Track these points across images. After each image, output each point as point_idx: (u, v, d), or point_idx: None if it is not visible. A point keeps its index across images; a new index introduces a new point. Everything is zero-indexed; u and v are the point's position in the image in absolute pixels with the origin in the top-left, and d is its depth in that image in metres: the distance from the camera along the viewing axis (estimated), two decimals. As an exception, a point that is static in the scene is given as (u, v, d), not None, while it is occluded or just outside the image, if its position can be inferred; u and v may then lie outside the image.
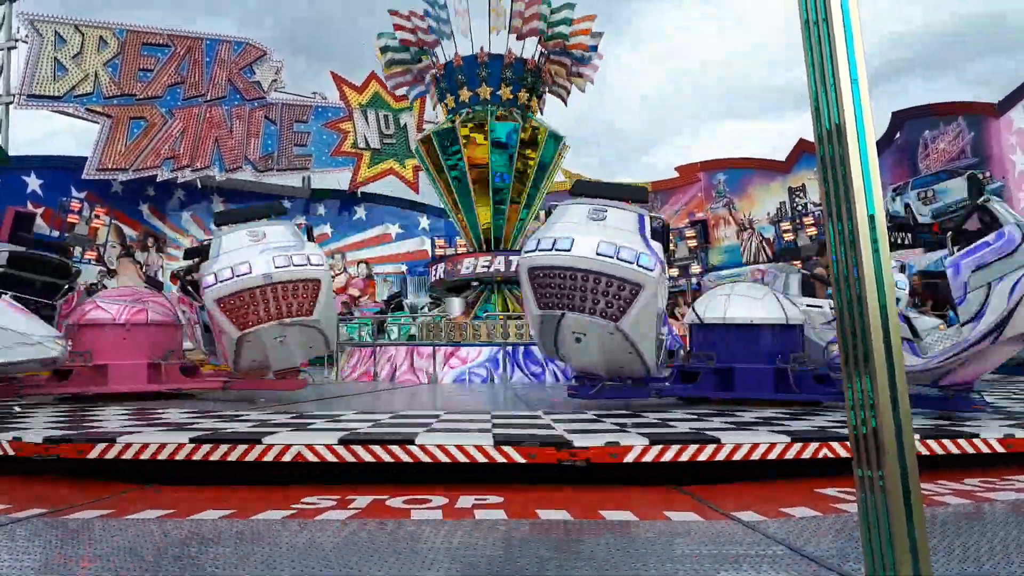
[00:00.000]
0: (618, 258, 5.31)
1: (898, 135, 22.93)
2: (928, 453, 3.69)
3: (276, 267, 6.15)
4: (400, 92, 17.70)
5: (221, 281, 6.08)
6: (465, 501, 3.07)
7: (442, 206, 20.56)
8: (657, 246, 5.66)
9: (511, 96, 15.76)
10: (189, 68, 25.64)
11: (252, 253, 6.26)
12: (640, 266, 5.26)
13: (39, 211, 22.03)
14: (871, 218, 1.83)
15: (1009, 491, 3.22)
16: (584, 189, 6.58)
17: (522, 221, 19.18)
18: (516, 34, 15.45)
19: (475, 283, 19.16)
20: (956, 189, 20.94)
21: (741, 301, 6.32)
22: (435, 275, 19.68)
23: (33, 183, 23.11)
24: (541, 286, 5.53)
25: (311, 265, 6.36)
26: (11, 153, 23.46)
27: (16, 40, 24.58)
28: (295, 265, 6.26)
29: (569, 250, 5.44)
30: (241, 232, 6.62)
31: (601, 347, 5.61)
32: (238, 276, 6.09)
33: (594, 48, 16.19)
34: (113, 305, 7.46)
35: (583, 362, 5.99)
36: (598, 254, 5.35)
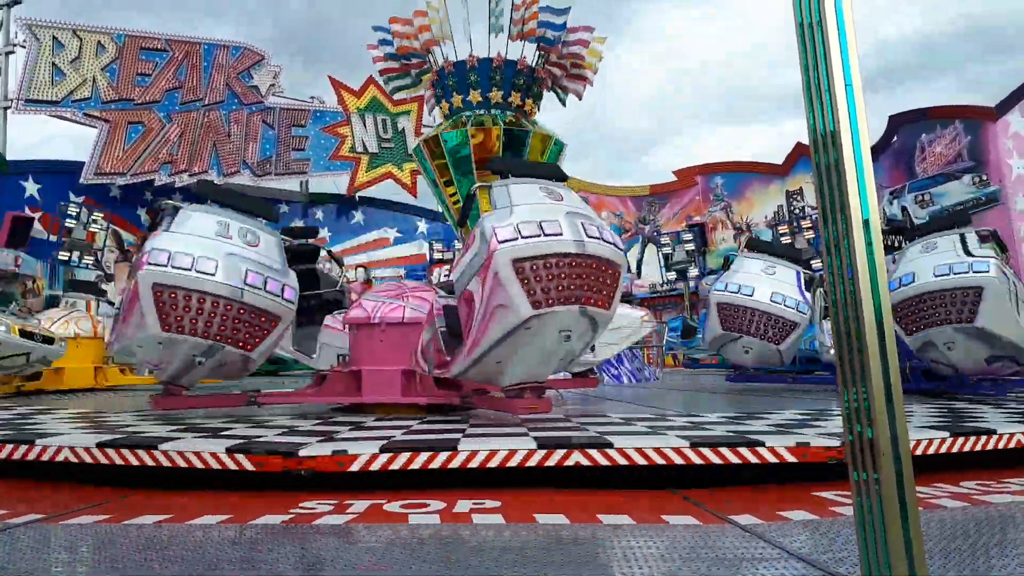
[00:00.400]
0: (784, 305, 8.03)
1: (895, 139, 23.00)
2: (922, 453, 3.70)
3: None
4: (399, 96, 17.70)
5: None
6: (463, 505, 3.07)
7: (440, 210, 20.55)
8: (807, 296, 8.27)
9: (501, 100, 15.76)
10: (187, 73, 25.70)
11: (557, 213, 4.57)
12: (799, 311, 8.07)
13: (37, 216, 22.04)
14: (866, 223, 1.84)
15: (1005, 493, 3.23)
16: (757, 245, 9.37)
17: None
18: (516, 38, 15.47)
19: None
20: (953, 192, 21.02)
21: None
22: (436, 279, 19.63)
23: (31, 188, 23.14)
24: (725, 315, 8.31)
25: None
26: (9, 158, 23.48)
27: (14, 45, 24.62)
28: None
29: (751, 295, 8.16)
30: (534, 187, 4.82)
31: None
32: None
33: (561, 27, 16.12)
34: (370, 302, 6.35)
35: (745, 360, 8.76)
36: (772, 300, 8.06)
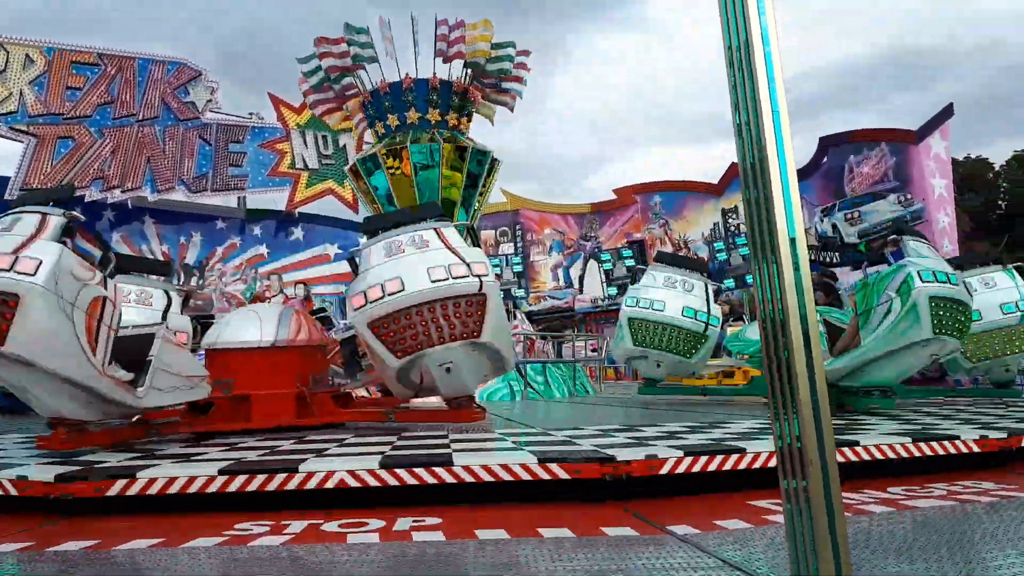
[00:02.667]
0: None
1: (824, 160, 23.78)
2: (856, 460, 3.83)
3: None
4: (328, 119, 17.65)
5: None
6: (403, 523, 3.05)
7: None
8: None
9: (440, 119, 15.82)
10: (120, 87, 25.05)
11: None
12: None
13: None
14: (792, 241, 1.92)
15: (930, 498, 3.36)
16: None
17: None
18: (442, 57, 15.59)
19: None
20: (880, 211, 21.83)
21: None
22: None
23: (-49, 204, 22.21)
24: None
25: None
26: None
27: (-65, 56, 23.68)
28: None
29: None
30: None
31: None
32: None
33: (508, 67, 16.31)
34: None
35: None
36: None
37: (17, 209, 4.41)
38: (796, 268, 1.91)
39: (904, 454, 3.97)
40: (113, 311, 4.38)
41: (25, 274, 3.75)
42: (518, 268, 31.80)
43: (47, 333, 3.81)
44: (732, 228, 26.97)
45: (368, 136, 22.09)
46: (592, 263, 30.49)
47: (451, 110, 16.16)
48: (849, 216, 22.47)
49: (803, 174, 23.37)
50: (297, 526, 3.04)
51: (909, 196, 21.53)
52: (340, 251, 29.06)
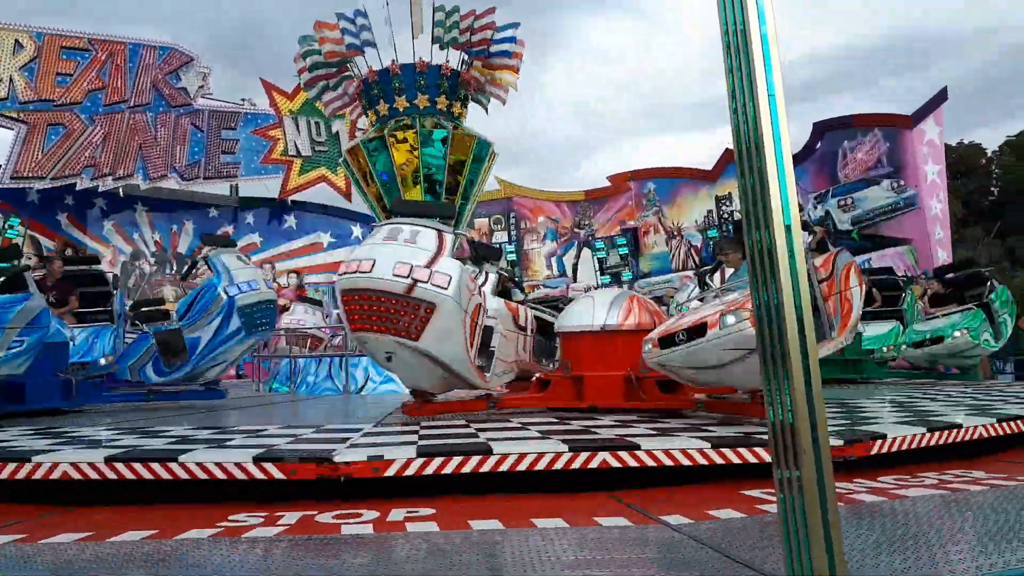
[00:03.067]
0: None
1: (819, 145, 23.76)
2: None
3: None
4: (326, 108, 17.58)
5: None
6: (397, 514, 3.04)
7: (374, 215, 20.36)
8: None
9: (428, 104, 15.73)
10: (111, 73, 24.84)
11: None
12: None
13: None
14: (787, 228, 1.90)
15: (920, 487, 3.37)
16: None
17: (457, 227, 19.06)
18: (438, 44, 15.49)
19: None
20: (874, 197, 21.85)
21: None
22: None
23: (-60, 192, 22.05)
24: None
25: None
26: (-82, 160, 22.32)
27: (-77, 43, 23.44)
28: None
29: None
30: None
31: None
32: None
33: (511, 40, 16.17)
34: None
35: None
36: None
37: (408, 220, 5.47)
38: (791, 255, 1.89)
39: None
40: (484, 313, 5.62)
41: (440, 288, 4.97)
42: (512, 256, 31.77)
43: (449, 333, 5.09)
44: (725, 215, 26.97)
45: (362, 123, 22.00)
46: (586, 251, 30.48)
47: (441, 94, 16.08)
48: (842, 202, 22.48)
49: (797, 159, 23.34)
50: (291, 517, 3.03)
51: (902, 182, 21.55)
52: (333, 239, 28.97)
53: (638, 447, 3.54)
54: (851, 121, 23.24)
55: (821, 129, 23.85)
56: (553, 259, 31.76)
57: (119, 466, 3.40)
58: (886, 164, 22.00)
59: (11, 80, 23.47)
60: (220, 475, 3.34)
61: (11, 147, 23.12)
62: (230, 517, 3.03)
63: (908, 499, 3.12)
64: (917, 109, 21.83)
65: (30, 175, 23.10)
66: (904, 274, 16.55)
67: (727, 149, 27.06)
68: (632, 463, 3.48)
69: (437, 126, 15.60)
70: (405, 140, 15.70)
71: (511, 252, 31.75)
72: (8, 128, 23.32)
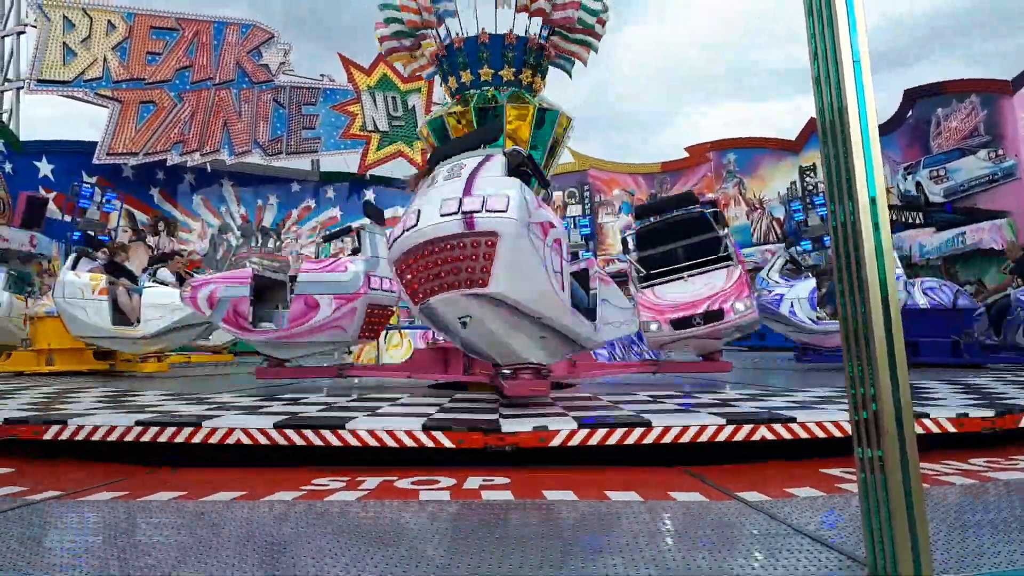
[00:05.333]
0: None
1: (910, 114, 22.72)
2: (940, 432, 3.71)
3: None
4: (405, 69, 17.66)
5: None
6: (472, 482, 3.10)
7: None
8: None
9: (513, 77, 15.66)
10: (197, 51, 25.65)
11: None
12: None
13: (51, 196, 22.15)
14: (872, 200, 1.84)
15: (1013, 471, 3.23)
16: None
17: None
18: (526, 12, 15.35)
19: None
20: (969, 168, 20.78)
21: None
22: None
23: (45, 168, 23.25)
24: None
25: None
26: (24, 138, 23.56)
27: (25, 25, 24.62)
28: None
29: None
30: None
31: None
32: None
33: (596, 20, 15.91)
34: None
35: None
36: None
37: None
38: (876, 229, 1.84)
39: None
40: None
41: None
42: (586, 231, 31.58)
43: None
44: (810, 187, 26.14)
45: (437, 96, 22.05)
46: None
47: (525, 67, 16.00)
48: (934, 174, 21.47)
49: (886, 129, 22.36)
50: (372, 482, 3.13)
51: (1001, 152, 20.40)
52: (410, 212, 29.36)
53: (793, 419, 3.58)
54: (944, 88, 22.09)
55: (912, 97, 22.78)
56: (628, 233, 31.45)
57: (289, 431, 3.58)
58: (983, 132, 20.86)
59: (105, 60, 24.47)
60: (390, 442, 3.49)
61: (106, 125, 24.16)
62: (314, 481, 3.15)
63: (1001, 482, 3.01)
64: (1018, 74, 20.54)
65: (124, 151, 24.13)
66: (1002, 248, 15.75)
67: (812, 118, 26.14)
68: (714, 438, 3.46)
69: (517, 99, 15.56)
70: (485, 112, 15.69)
71: (585, 226, 31.56)
72: (103, 106, 24.37)
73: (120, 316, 8.81)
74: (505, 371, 4.59)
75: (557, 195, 31.60)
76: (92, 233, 10.56)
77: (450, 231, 3.79)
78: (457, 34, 16.25)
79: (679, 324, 6.03)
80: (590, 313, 4.81)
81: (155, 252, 22.95)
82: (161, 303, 8.68)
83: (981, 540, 2.12)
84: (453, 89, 17.06)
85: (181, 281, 8.59)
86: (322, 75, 28.03)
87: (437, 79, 18.65)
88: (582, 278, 5.05)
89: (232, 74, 26.03)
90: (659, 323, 6.05)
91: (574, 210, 31.72)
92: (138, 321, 8.73)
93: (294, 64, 27.16)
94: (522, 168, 4.20)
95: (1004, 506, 2.64)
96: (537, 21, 15.65)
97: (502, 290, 3.87)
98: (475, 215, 3.77)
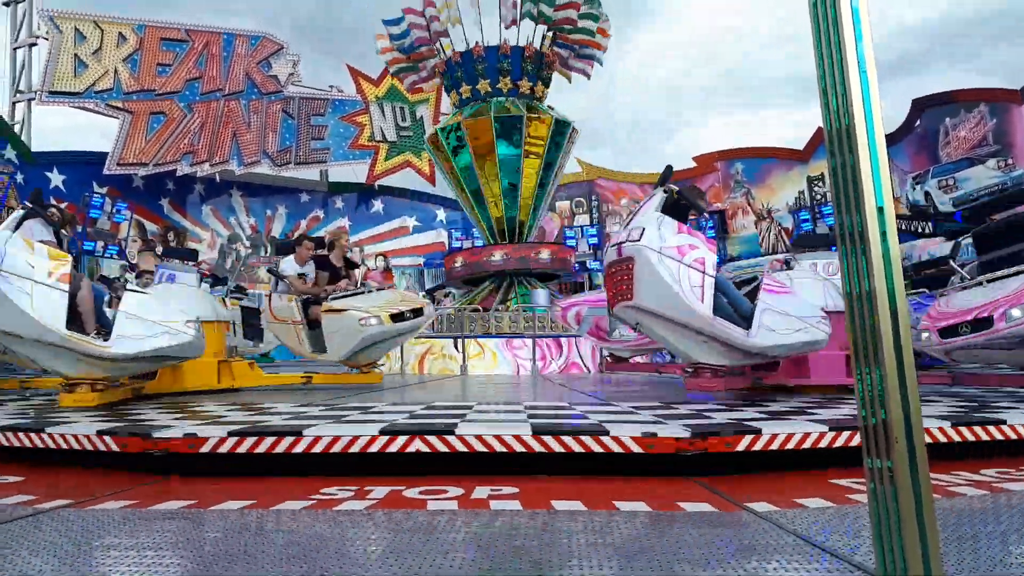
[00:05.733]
0: None
1: (918, 123, 22.69)
2: (946, 440, 3.69)
3: None
4: (404, 84, 17.84)
5: None
6: (481, 492, 3.10)
7: (457, 200, 20.54)
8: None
9: (511, 86, 15.68)
10: (207, 63, 25.86)
11: None
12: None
13: (62, 206, 22.29)
14: (880, 210, 1.84)
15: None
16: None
17: (535, 211, 19.13)
18: (528, 17, 15.44)
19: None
20: (978, 177, 20.71)
21: None
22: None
23: (56, 178, 23.45)
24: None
25: None
26: (35, 149, 23.76)
27: (37, 37, 24.87)
28: None
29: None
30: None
31: None
32: None
33: (592, 28, 16.05)
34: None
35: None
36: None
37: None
38: (884, 239, 1.83)
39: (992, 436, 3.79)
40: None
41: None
42: (594, 240, 31.59)
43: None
44: (818, 197, 26.10)
45: (445, 107, 22.16)
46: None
47: (523, 76, 16.03)
48: (943, 183, 21.41)
49: (894, 138, 22.32)
50: (380, 491, 3.13)
51: (1010, 161, 20.35)
52: (418, 223, 29.45)
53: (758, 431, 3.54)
54: (953, 97, 22.06)
55: (920, 106, 22.75)
56: (636, 242, 31.41)
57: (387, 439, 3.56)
58: (992, 142, 20.81)
59: (116, 71, 24.68)
60: (499, 447, 3.48)
61: (117, 136, 24.35)
62: (322, 490, 3.15)
63: (1014, 493, 2.98)
64: (1027, 83, 20.53)
65: (134, 162, 24.31)
66: None
67: (820, 127, 26.13)
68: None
69: (519, 108, 15.60)
70: (486, 123, 15.76)
71: (593, 236, 31.57)
72: (114, 117, 24.57)
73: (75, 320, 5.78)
74: (688, 369, 5.76)
75: (564, 204, 31.64)
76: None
77: (613, 257, 5.36)
78: (454, 50, 16.31)
79: (946, 333, 5.71)
80: (745, 320, 5.37)
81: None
82: (148, 317, 5.99)
83: (993, 551, 2.10)
84: (455, 103, 17.10)
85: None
86: (331, 86, 28.23)
87: (443, 90, 18.76)
88: (753, 289, 5.88)
89: (241, 85, 26.22)
90: (929, 332, 5.86)
91: (582, 219, 31.73)
92: (101, 334, 5.80)
93: (303, 75, 27.36)
94: (681, 202, 5.54)
95: (1016, 517, 2.63)
96: (541, 31, 15.68)
97: (639, 302, 5.18)
98: (622, 245, 5.24)
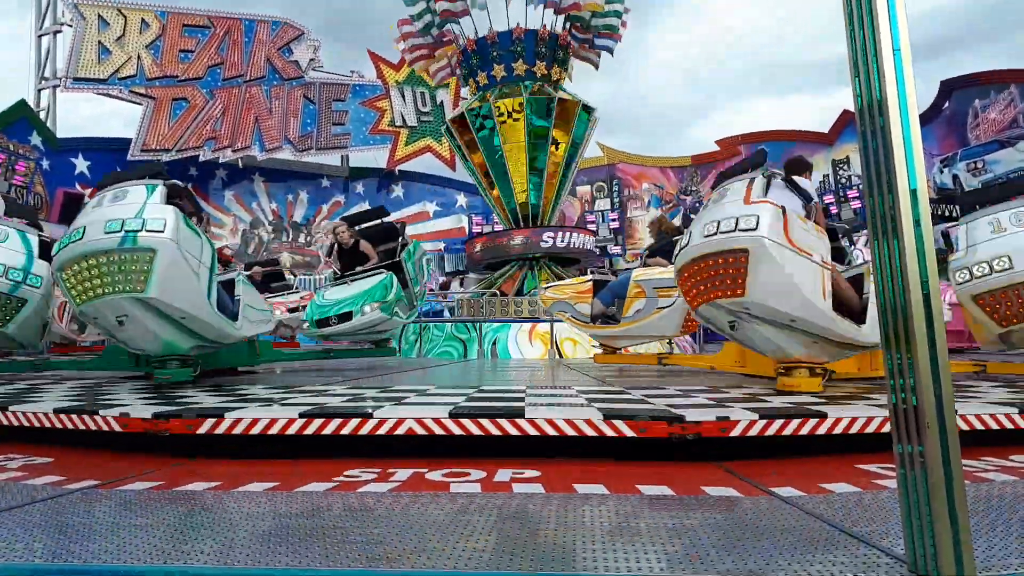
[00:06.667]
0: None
1: (946, 105, 22.31)
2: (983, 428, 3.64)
3: None
4: (433, 78, 17.78)
5: None
6: (503, 475, 3.10)
7: (477, 185, 20.50)
8: None
9: (526, 71, 15.57)
10: (229, 49, 25.95)
11: None
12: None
13: (87, 192, 22.55)
14: (913, 192, 1.81)
15: (1056, 468, 3.16)
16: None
17: (557, 196, 19.08)
18: (553, 9, 15.33)
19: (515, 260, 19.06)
20: (1007, 160, 20.35)
21: None
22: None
23: (81, 165, 23.70)
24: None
25: None
26: (60, 135, 24.01)
27: (61, 24, 25.07)
28: None
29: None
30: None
31: None
32: None
33: (615, 24, 15.91)
34: None
35: None
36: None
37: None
38: (916, 223, 1.80)
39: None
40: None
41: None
42: (614, 224, 31.43)
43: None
44: (843, 180, 25.79)
45: (465, 91, 22.11)
46: (692, 218, 29.83)
47: (538, 59, 15.92)
48: (972, 166, 21.07)
49: (922, 121, 21.93)
50: (403, 474, 3.14)
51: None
52: (439, 208, 29.47)
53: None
54: (982, 79, 21.65)
55: (949, 88, 22.36)
56: (658, 227, 31.25)
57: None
58: (1022, 124, 20.41)
59: (139, 58, 24.84)
60: (569, 431, 3.45)
61: (140, 122, 24.54)
62: (345, 472, 3.17)
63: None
64: (1060, 63, 20.10)
65: (158, 148, 24.50)
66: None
67: (845, 111, 25.81)
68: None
69: (536, 92, 15.52)
70: (508, 107, 15.69)
71: (614, 220, 31.45)
72: (137, 103, 24.76)
73: None
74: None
75: (585, 189, 31.50)
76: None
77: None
78: (469, 38, 16.22)
79: None
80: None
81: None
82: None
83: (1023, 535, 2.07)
84: (474, 91, 17.00)
85: None
86: (351, 71, 28.25)
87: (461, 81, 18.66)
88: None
89: (263, 71, 26.30)
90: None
91: (602, 204, 31.59)
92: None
93: (323, 61, 27.38)
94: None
95: (1047, 504, 2.58)
96: (556, 18, 15.57)
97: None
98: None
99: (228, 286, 6.38)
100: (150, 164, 7.33)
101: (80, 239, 5.00)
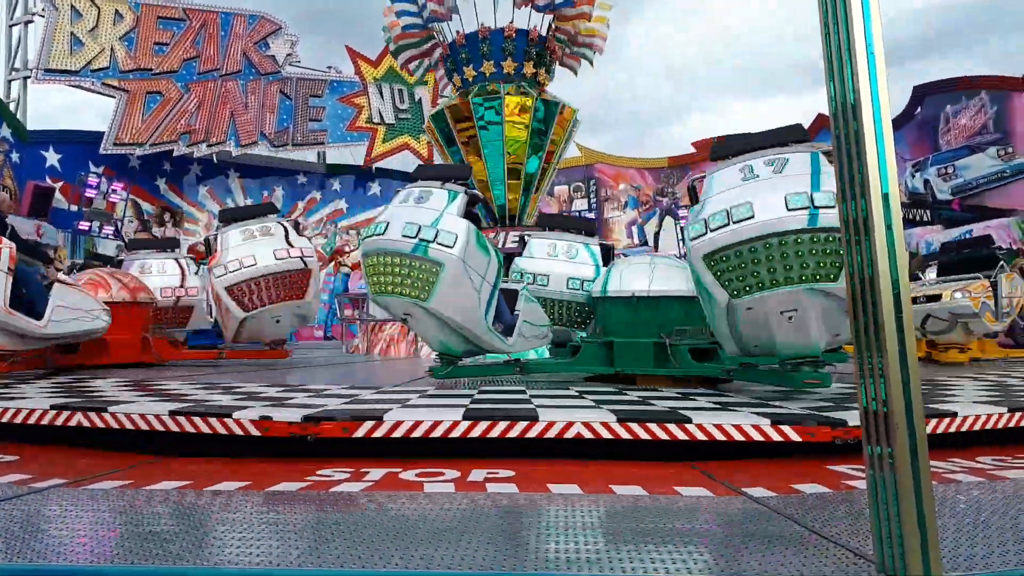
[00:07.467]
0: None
1: (918, 110, 22.62)
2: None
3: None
4: (411, 66, 17.60)
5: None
6: (477, 475, 3.10)
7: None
8: None
9: (514, 68, 15.55)
10: (204, 42, 25.66)
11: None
12: None
13: (58, 186, 22.21)
14: (885, 197, 1.82)
15: (1021, 469, 3.22)
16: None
17: (536, 195, 19.11)
18: (528, 5, 15.30)
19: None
20: (978, 165, 20.68)
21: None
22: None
23: (52, 158, 23.30)
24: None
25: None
26: (31, 127, 23.60)
27: (33, 14, 24.64)
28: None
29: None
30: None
31: None
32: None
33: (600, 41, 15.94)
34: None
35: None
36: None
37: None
38: (888, 227, 1.82)
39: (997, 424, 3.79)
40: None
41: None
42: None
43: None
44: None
45: (446, 90, 22.02)
46: (668, 219, 29.96)
47: (527, 60, 15.94)
48: (943, 171, 21.38)
49: (894, 125, 22.24)
50: (376, 474, 3.12)
51: (1011, 149, 20.31)
52: (416, 205, 29.34)
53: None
54: (955, 84, 21.98)
55: (921, 93, 22.67)
56: (634, 228, 31.40)
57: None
58: (992, 130, 20.76)
59: (112, 50, 24.48)
60: (606, 433, 3.46)
61: (113, 115, 24.19)
62: (319, 472, 3.15)
63: (1009, 480, 2.99)
64: (1029, 71, 20.45)
65: (131, 142, 24.16)
66: (1009, 246, 15.68)
67: (819, 114, 26.05)
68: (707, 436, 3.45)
69: (521, 93, 15.51)
70: (489, 107, 15.66)
71: (591, 220, 31.47)
72: (110, 96, 24.40)
73: None
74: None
75: (563, 189, 31.56)
76: None
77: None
78: (458, 32, 16.12)
79: None
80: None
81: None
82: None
83: (990, 538, 2.10)
84: (458, 86, 16.90)
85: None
86: (329, 67, 28.03)
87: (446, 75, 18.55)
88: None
89: (239, 65, 26.03)
90: None
91: (580, 204, 31.67)
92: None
93: (301, 56, 27.16)
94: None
95: (1012, 505, 2.63)
96: (540, 16, 15.49)
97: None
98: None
99: (511, 296, 6.35)
100: (460, 166, 9.00)
101: (382, 234, 5.33)
